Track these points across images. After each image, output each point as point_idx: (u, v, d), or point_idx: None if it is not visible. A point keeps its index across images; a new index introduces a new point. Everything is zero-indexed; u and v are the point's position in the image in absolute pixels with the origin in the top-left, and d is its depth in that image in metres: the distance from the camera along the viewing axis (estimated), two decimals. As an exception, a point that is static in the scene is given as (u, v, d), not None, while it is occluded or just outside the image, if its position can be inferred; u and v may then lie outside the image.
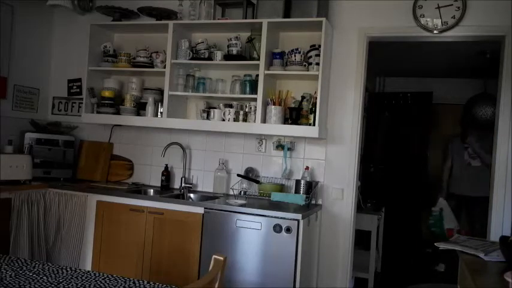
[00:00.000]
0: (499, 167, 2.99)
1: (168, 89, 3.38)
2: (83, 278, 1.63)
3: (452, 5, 3.02)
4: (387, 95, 6.31)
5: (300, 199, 3.02)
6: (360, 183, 3.86)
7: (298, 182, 3.17)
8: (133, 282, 1.57)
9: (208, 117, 3.36)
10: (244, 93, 3.27)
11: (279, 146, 3.38)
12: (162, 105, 3.43)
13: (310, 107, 3.15)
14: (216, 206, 2.92)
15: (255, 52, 3.24)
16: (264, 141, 3.44)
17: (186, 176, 3.61)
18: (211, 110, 3.34)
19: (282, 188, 3.26)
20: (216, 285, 1.40)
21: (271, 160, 3.43)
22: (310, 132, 3.05)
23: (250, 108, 3.26)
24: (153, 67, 3.50)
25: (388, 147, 6.11)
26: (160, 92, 3.50)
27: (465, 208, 4.91)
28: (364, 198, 4.37)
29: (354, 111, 3.26)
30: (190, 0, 3.49)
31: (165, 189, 3.55)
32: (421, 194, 5.98)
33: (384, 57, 4.75)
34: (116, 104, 3.59)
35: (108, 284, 1.57)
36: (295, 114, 3.13)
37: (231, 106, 3.35)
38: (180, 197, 3.41)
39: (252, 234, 2.81)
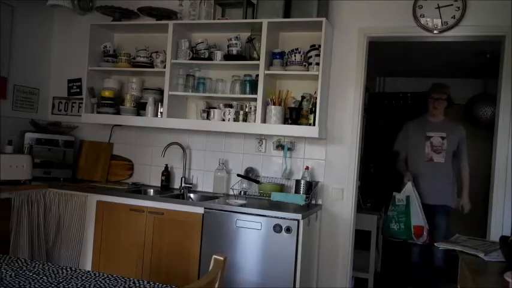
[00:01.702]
0: (499, 167, 2.99)
1: (168, 89, 3.38)
2: (83, 278, 1.63)
3: (452, 5, 3.02)
4: (387, 95, 6.30)
5: (300, 199, 3.02)
6: (360, 183, 3.86)
7: (298, 182, 3.17)
8: (134, 282, 1.57)
9: (208, 117, 3.36)
10: (244, 93, 3.27)
11: (279, 146, 3.38)
12: (162, 105, 3.43)
13: (310, 107, 3.15)
14: (216, 206, 2.92)
15: (255, 52, 3.24)
16: (264, 141, 3.44)
17: (186, 176, 3.61)
18: (211, 110, 3.34)
19: (282, 188, 3.26)
20: (216, 285, 1.40)
21: (271, 160, 3.43)
22: (310, 132, 3.05)
23: (250, 108, 3.26)
24: (153, 67, 3.50)
25: (388, 147, 6.10)
26: (160, 92, 3.50)
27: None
28: (364, 198, 4.37)
29: (354, 111, 3.26)
30: (190, 0, 3.49)
31: (165, 189, 3.55)
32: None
33: (384, 57, 4.75)
34: (116, 104, 3.59)
35: (108, 284, 1.56)
36: (295, 114, 3.13)
37: (231, 106, 3.35)
38: (180, 197, 3.41)
39: (252, 234, 2.81)
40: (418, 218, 3.56)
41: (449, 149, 3.79)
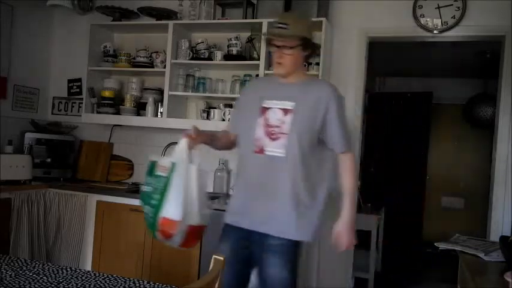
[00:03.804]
0: (498, 166, 2.99)
1: (168, 89, 3.38)
2: (83, 278, 1.63)
3: (452, 5, 3.02)
4: (387, 95, 6.31)
5: (300, 199, 3.01)
6: (360, 183, 3.85)
7: (298, 182, 3.16)
8: (133, 282, 1.57)
9: (208, 117, 3.36)
10: (244, 93, 3.26)
11: (279, 146, 3.37)
12: (162, 105, 3.43)
13: (310, 107, 3.15)
14: (216, 206, 2.92)
15: (255, 52, 3.24)
16: (264, 141, 3.43)
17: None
18: (211, 110, 3.34)
19: (282, 188, 3.25)
20: (216, 285, 1.40)
21: (271, 160, 3.42)
22: (310, 132, 3.04)
23: (250, 108, 3.25)
24: (153, 67, 3.50)
25: (388, 147, 6.12)
26: (160, 92, 3.50)
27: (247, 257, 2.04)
28: (364, 198, 4.37)
29: (354, 111, 3.26)
30: (190, 0, 3.49)
31: (165, 189, 3.54)
32: (421, 194, 5.98)
33: (384, 57, 4.75)
34: (116, 104, 3.59)
35: (108, 284, 1.56)
36: (295, 114, 3.13)
37: (231, 106, 3.35)
38: (180, 197, 3.40)
39: (252, 234, 2.80)
40: (174, 205, 1.79)
41: (296, 133, 1.93)
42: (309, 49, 2.01)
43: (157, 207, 1.80)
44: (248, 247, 2.02)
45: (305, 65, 2.20)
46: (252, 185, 2.01)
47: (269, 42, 2.02)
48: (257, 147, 1.98)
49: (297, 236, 1.95)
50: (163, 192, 1.80)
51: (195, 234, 1.86)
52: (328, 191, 2.04)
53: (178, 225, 1.77)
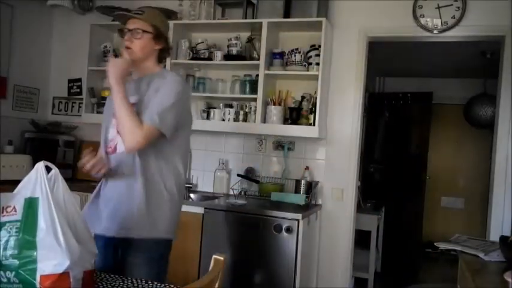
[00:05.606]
0: (498, 166, 2.98)
1: (168, 89, 3.37)
2: (83, 278, 1.62)
3: (452, 5, 3.02)
4: (387, 95, 6.31)
5: (300, 199, 3.02)
6: (360, 183, 3.86)
7: (298, 182, 3.17)
8: (132, 282, 1.57)
9: (208, 117, 3.36)
10: (244, 93, 3.27)
11: (279, 146, 3.38)
12: (162, 105, 3.42)
13: (310, 107, 3.15)
14: (216, 206, 2.92)
15: (255, 52, 3.24)
16: (264, 141, 3.44)
17: (186, 176, 3.60)
18: (211, 110, 3.34)
19: (282, 188, 3.26)
20: (216, 285, 1.40)
21: (271, 160, 3.43)
22: (310, 132, 3.05)
23: (250, 108, 3.26)
24: (153, 67, 3.49)
25: (388, 147, 6.12)
26: (160, 92, 3.50)
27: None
28: (364, 198, 4.37)
29: (354, 111, 3.26)
30: (190, 0, 3.49)
31: (165, 189, 3.54)
32: (421, 194, 5.98)
33: (384, 57, 4.75)
34: (116, 104, 3.58)
35: (107, 284, 1.56)
36: (295, 114, 3.13)
37: (231, 106, 3.35)
38: (180, 197, 3.40)
39: (252, 234, 2.81)
40: (53, 250, 1.14)
41: None
42: (161, 42, 1.96)
43: (20, 268, 1.15)
44: None
45: (163, 64, 2.11)
46: (105, 186, 2.09)
47: (122, 30, 1.95)
48: (110, 148, 1.97)
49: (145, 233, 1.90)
50: (21, 240, 1.16)
51: (91, 281, 1.30)
52: (176, 187, 2.01)
53: (71, 275, 1.17)
